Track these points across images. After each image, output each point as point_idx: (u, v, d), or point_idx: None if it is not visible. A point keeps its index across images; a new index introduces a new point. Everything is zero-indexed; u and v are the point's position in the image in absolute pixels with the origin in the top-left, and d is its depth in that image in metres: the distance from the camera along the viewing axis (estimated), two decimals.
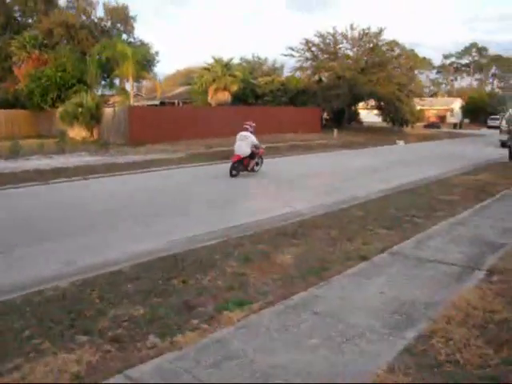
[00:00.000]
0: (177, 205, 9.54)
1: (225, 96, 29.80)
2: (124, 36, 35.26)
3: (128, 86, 28.11)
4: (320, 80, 34.88)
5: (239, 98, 31.26)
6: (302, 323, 3.90)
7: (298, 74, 35.23)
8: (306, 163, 17.59)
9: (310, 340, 3.60)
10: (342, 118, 36.76)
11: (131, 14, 36.53)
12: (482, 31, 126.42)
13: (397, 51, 33.85)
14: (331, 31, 33.55)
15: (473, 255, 5.88)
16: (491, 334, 3.69)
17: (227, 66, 30.50)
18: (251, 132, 13.47)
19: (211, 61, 30.99)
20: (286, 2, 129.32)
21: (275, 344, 3.53)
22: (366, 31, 32.91)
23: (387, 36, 38.38)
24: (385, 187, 11.66)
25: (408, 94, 33.45)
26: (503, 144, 25.77)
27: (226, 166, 13.62)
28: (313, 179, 13.35)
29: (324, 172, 15.00)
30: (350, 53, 34.04)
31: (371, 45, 33.24)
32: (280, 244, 6.39)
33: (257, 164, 13.80)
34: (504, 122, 26.27)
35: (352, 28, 33.18)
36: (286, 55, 34.21)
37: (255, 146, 13.37)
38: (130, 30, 36.26)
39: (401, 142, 28.68)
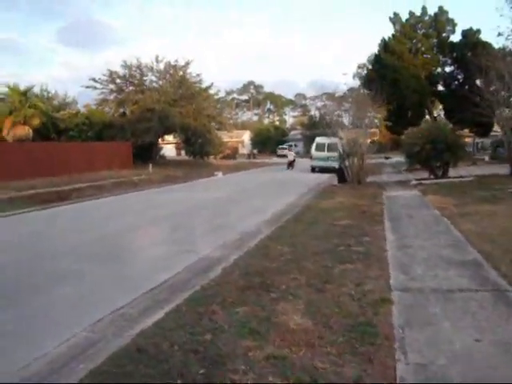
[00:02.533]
0: None
1: (25, 131, 25.53)
2: None
3: None
4: (124, 114, 32.85)
5: (41, 133, 27.18)
6: None
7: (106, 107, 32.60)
8: (152, 201, 15.71)
9: None
10: (150, 153, 35.21)
11: None
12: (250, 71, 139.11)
13: (205, 84, 34.14)
14: (135, 63, 32.09)
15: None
16: None
17: (26, 95, 26.29)
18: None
19: (5, 89, 26.39)
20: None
21: None
22: (173, 63, 32.41)
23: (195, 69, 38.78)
24: (266, 218, 10.99)
25: (219, 126, 33.90)
26: (313, 169, 27.98)
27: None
28: (182, 217, 11.79)
29: (185, 209, 13.38)
30: (157, 85, 32.94)
31: (178, 77, 32.78)
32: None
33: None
34: (314, 150, 28.42)
35: (157, 60, 32.34)
36: (88, 87, 31.30)
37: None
38: None
39: (219, 174, 28.58)
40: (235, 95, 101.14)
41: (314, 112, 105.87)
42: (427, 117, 35.82)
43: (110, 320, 4.68)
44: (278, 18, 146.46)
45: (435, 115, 37.19)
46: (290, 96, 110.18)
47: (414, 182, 17.64)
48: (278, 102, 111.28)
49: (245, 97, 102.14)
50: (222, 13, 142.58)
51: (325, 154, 27.84)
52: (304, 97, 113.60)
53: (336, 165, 27.02)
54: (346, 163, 18.60)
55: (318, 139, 29.70)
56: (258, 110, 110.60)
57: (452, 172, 18.76)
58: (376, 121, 31.58)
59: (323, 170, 27.41)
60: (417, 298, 4.87)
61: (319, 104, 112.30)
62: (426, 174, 19.61)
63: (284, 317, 4.44)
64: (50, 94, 36.40)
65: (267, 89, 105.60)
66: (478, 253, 6.53)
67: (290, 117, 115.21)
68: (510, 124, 18.30)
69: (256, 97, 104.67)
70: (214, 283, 5.64)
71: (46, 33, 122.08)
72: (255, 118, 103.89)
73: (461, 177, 17.84)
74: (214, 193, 17.06)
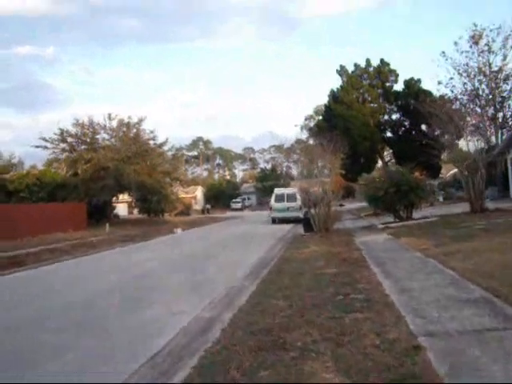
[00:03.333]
0: None
1: None
2: None
3: None
4: (76, 173, 31.81)
5: None
6: None
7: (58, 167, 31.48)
8: (118, 262, 14.85)
9: None
10: (104, 212, 34.07)
11: None
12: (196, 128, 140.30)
13: (159, 140, 33.82)
14: (87, 121, 31.50)
15: None
16: None
17: None
18: None
19: None
20: None
21: None
22: (127, 121, 32.07)
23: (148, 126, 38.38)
24: (245, 272, 10.68)
25: (173, 181, 33.44)
26: (273, 220, 27.84)
27: None
28: (155, 277, 11.12)
29: (156, 268, 12.63)
30: (109, 143, 32.31)
31: (132, 134, 32.40)
32: None
33: None
34: (273, 201, 28.38)
35: (110, 118, 31.91)
36: (37, 146, 30.24)
37: None
38: None
39: (179, 230, 27.86)
40: (184, 151, 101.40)
41: (262, 165, 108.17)
42: (379, 162, 36.96)
43: None
44: (222, 77, 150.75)
45: (386, 160, 38.44)
46: (238, 150, 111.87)
47: (381, 226, 17.73)
48: (227, 157, 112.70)
49: (194, 153, 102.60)
50: (166, 73, 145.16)
51: (284, 204, 27.88)
52: (252, 150, 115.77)
53: (296, 214, 27.13)
54: (312, 211, 18.51)
55: (277, 190, 29.83)
56: (208, 166, 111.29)
57: (414, 214, 19.06)
58: (325, 170, 32.13)
59: (284, 220, 27.34)
60: (448, 342, 4.54)
61: (267, 157, 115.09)
62: (388, 218, 19.84)
63: (316, 377, 3.98)
64: None
65: (215, 144, 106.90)
66: (483, 290, 6.35)
67: (240, 171, 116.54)
68: (467, 165, 18.96)
69: (205, 152, 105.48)
70: (220, 346, 5.10)
71: None
72: (205, 174, 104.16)
73: (425, 218, 18.13)
74: (180, 250, 16.41)
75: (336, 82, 79.87)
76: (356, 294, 7.07)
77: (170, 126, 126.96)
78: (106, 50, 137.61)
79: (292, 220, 27.18)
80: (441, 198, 30.86)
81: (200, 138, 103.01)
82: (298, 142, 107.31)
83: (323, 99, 37.90)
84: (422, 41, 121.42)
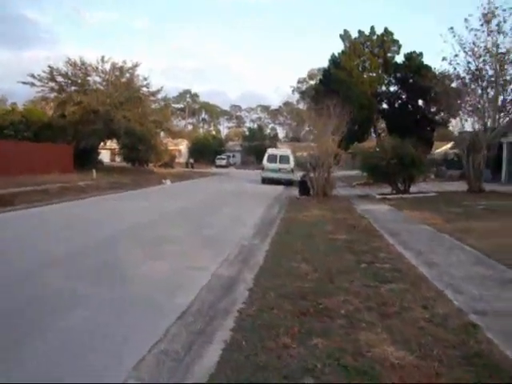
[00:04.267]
0: None
1: None
2: None
3: None
4: (63, 115, 30.55)
5: None
6: None
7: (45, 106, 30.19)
8: (113, 209, 14.37)
9: None
10: (89, 158, 33.14)
11: None
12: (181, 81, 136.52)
13: (153, 88, 32.68)
14: (79, 61, 30.11)
15: None
16: None
17: None
18: None
19: None
20: None
21: None
22: (121, 65, 30.80)
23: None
24: (251, 230, 10.50)
25: (164, 132, 32.59)
26: (263, 180, 27.55)
27: None
28: (159, 227, 10.73)
29: (158, 219, 12.12)
30: (101, 86, 31.07)
31: (125, 79, 31.20)
32: None
33: None
34: (265, 161, 27.98)
35: (103, 61, 30.55)
36: (25, 83, 28.84)
37: None
38: None
39: (168, 182, 27.38)
40: (171, 103, 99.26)
41: (248, 124, 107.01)
42: (372, 133, 36.70)
43: (154, 363, 3.70)
44: (217, 29, 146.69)
45: (379, 132, 38.20)
46: (224, 107, 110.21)
47: (378, 197, 17.62)
48: (213, 112, 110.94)
49: (180, 105, 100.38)
50: (155, 21, 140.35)
51: (276, 165, 27.55)
52: (239, 108, 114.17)
53: (288, 177, 26.87)
54: (311, 175, 18.23)
55: (270, 150, 29.41)
56: (193, 120, 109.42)
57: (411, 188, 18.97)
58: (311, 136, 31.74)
59: (274, 181, 27.05)
60: (505, 322, 4.37)
61: (254, 116, 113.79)
62: (381, 190, 19.76)
63: (376, 349, 3.75)
64: None
65: (201, 99, 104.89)
66: None
67: (225, 128, 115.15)
68: (466, 143, 18.82)
69: (191, 106, 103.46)
70: (255, 309, 4.81)
71: None
72: (190, 128, 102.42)
73: (422, 192, 18.06)
74: (176, 202, 15.98)
75: (335, 48, 78.52)
76: (380, 263, 6.87)
77: (154, 76, 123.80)
78: None
79: (282, 182, 26.94)
80: (432, 175, 30.93)
81: (187, 91, 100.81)
82: (286, 104, 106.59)
83: (318, 63, 37.11)
84: (429, 15, 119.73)
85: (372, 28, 35.62)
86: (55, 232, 9.69)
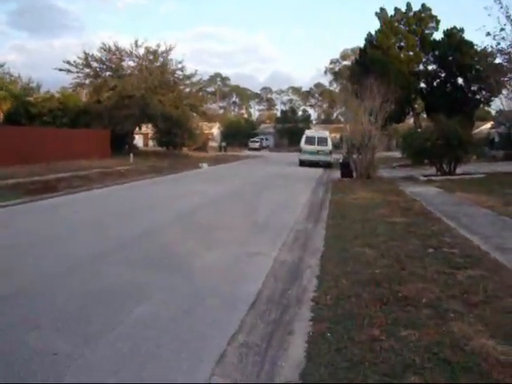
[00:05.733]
0: None
1: None
2: None
3: None
4: (99, 101, 30.75)
5: (11, 119, 24.96)
6: None
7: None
8: (158, 194, 14.32)
9: None
10: (124, 142, 33.44)
11: None
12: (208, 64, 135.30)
13: (188, 71, 32.55)
14: (113, 46, 30.17)
15: None
16: None
17: None
18: None
19: None
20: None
21: None
22: (154, 48, 30.73)
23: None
24: (301, 214, 10.56)
25: (201, 115, 32.51)
26: (301, 163, 27.22)
27: None
28: (209, 211, 10.63)
29: (206, 203, 12.02)
30: (136, 71, 31.09)
31: (159, 63, 31.15)
32: None
33: None
34: (303, 143, 27.60)
35: (137, 45, 30.55)
36: (61, 70, 29.11)
37: None
38: None
39: (205, 166, 27.33)
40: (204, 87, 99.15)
41: (279, 106, 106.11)
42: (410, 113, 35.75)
43: (237, 358, 3.53)
44: (243, 11, 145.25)
45: (417, 112, 37.17)
46: (254, 90, 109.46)
47: (423, 178, 17.10)
48: (244, 96, 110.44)
49: (211, 89, 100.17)
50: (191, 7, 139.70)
51: (314, 147, 27.15)
52: (270, 91, 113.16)
53: (326, 159, 26.45)
54: (354, 157, 17.82)
55: (308, 132, 29.02)
56: (224, 103, 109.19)
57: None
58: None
59: (312, 164, 26.68)
60: None
61: (285, 98, 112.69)
62: (423, 171, 19.17)
63: (474, 342, 3.50)
64: (12, 78, 33.84)
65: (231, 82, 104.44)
66: None
67: (256, 110, 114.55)
68: None
69: (222, 89, 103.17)
70: (331, 297, 4.61)
71: None
72: (221, 111, 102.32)
73: (468, 174, 17.44)
74: (218, 186, 15.82)
75: (369, 27, 76.83)
76: (447, 248, 6.58)
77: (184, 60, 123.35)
78: None
79: (321, 164, 26.55)
80: (474, 156, 29.93)
81: (218, 74, 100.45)
82: (318, 86, 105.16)
83: (351, 43, 36.19)
84: None
85: (408, 4, 34.42)
86: (108, 218, 9.66)
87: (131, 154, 27.21)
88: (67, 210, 10.69)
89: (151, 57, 30.97)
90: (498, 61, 24.74)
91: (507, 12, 20.11)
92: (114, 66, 30.54)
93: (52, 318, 4.13)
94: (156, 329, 3.97)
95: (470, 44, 31.98)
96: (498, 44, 22.19)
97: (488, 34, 21.90)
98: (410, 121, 41.44)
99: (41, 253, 6.44)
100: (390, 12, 34.99)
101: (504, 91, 24.94)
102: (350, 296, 4.60)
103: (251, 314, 4.41)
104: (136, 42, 30.58)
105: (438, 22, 34.95)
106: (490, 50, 27.43)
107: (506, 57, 23.39)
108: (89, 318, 4.15)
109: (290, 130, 60.18)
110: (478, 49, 29.83)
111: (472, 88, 33.66)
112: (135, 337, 3.79)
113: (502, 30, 20.07)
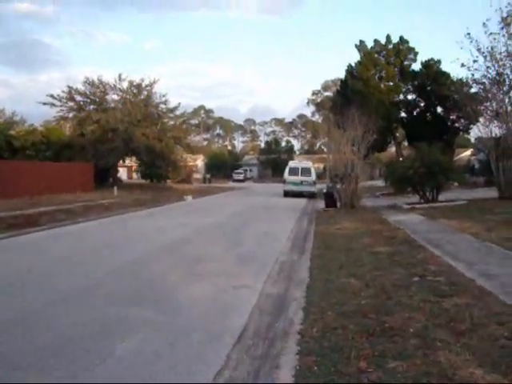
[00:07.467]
0: None
1: None
2: None
3: None
4: (82, 134, 30.75)
5: None
6: None
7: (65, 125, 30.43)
8: (141, 227, 14.18)
9: None
10: (108, 175, 33.32)
11: None
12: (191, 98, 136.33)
13: (172, 104, 32.83)
14: (96, 80, 30.37)
15: None
16: None
17: None
18: None
19: None
20: None
21: None
22: (138, 82, 30.98)
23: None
24: (286, 245, 10.45)
25: (185, 147, 32.64)
26: (286, 193, 27.33)
27: None
28: (193, 244, 10.55)
29: (190, 235, 11.99)
30: (120, 105, 31.24)
31: (143, 97, 31.37)
32: None
33: None
34: (287, 174, 27.77)
35: (120, 79, 30.80)
36: (45, 103, 29.13)
37: None
38: None
39: (189, 198, 27.24)
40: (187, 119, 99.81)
41: (263, 138, 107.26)
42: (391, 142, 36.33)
43: None
44: (220, 48, 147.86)
45: (399, 141, 37.80)
46: (238, 121, 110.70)
47: (406, 207, 17.24)
48: (228, 127, 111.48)
49: (195, 121, 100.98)
50: (165, 42, 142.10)
51: (298, 178, 27.33)
52: (253, 122, 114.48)
53: (310, 189, 26.61)
54: (338, 186, 17.95)
55: (291, 163, 29.23)
56: (208, 135, 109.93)
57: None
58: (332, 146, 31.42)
59: (296, 194, 26.81)
60: None
61: (268, 130, 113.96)
62: (406, 199, 19.39)
63: (462, 372, 3.47)
64: None
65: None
66: None
67: (240, 142, 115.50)
68: (493, 149, 18.41)
69: (206, 121, 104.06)
70: (318, 329, 4.56)
71: None
72: (205, 143, 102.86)
73: (451, 201, 17.65)
74: (203, 218, 15.79)
75: (350, 59, 78.34)
76: (433, 276, 6.57)
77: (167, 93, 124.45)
78: (105, 13, 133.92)
79: (305, 194, 26.69)
80: (456, 183, 30.39)
81: (202, 107, 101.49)
82: (300, 117, 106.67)
83: (331, 75, 37.03)
84: (445, 22, 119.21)
85: (388, 37, 35.41)
86: (91, 251, 9.51)
87: (115, 187, 27.10)
88: (49, 244, 10.51)
89: (135, 90, 31.22)
90: (473, 90, 25.38)
91: (478, 46, 20.79)
92: (97, 99, 30.68)
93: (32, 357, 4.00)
94: (140, 365, 3.87)
95: (447, 75, 32.87)
96: (473, 75, 22.81)
97: (462, 65, 22.53)
98: (392, 149, 42.10)
99: (22, 289, 6.28)
100: (370, 44, 35.95)
101: (481, 119, 25.54)
102: (336, 328, 4.55)
103: (237, 348, 4.33)
104: (120, 76, 30.93)
105: (416, 53, 35.95)
106: (465, 80, 28.16)
107: (481, 86, 24.02)
108: (69, 357, 4.02)
109: (273, 161, 60.76)
110: (455, 79, 30.68)
111: (451, 117, 34.42)
112: (118, 374, 3.68)
113: (475, 61, 20.70)
